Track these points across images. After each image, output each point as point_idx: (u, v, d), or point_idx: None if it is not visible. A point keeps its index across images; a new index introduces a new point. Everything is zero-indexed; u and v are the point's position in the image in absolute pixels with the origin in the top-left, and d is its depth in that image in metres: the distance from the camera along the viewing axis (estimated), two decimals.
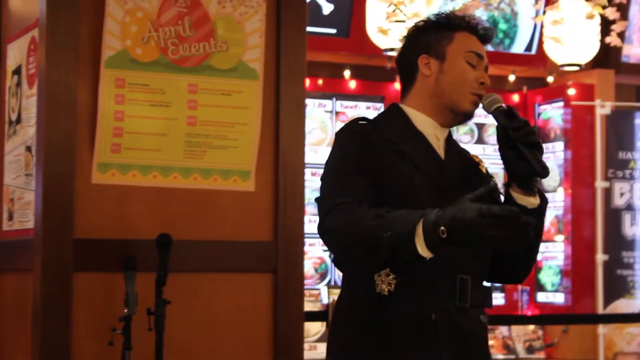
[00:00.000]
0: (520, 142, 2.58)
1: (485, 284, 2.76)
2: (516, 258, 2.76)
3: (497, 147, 2.68)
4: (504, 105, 2.65)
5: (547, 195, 9.42)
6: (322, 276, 8.35)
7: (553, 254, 8.88)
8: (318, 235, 2.60)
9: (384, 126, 2.69)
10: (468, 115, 2.72)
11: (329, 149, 2.73)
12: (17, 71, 4.39)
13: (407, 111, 2.73)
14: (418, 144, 2.68)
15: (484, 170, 2.83)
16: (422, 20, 2.79)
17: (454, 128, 2.87)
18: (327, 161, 2.68)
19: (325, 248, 6.62)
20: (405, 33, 2.82)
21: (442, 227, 2.30)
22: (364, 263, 2.54)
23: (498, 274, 2.79)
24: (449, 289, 2.61)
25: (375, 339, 2.59)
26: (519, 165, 2.61)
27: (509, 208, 2.29)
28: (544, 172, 2.57)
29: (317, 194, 2.66)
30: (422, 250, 2.34)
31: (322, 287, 8.26)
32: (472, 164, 2.82)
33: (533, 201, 2.68)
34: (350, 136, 2.66)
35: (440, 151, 2.72)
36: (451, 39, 2.72)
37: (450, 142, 2.77)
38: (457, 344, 2.61)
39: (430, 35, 2.75)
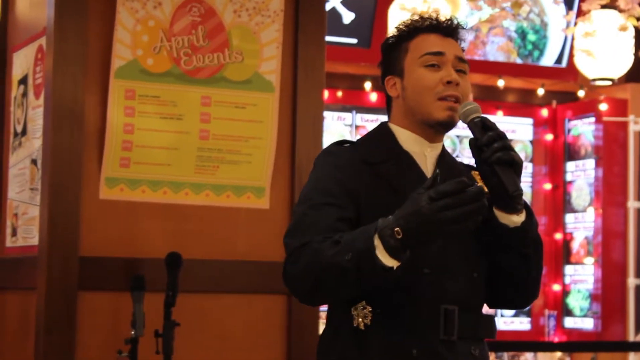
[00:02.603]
0: (489, 159, 2.48)
1: (489, 311, 2.65)
2: (519, 277, 2.64)
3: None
4: (480, 116, 2.55)
5: (577, 215, 9.34)
6: None
7: (582, 277, 8.85)
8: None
9: (366, 147, 2.66)
10: (445, 124, 2.63)
11: None
12: (23, 81, 4.41)
13: (394, 129, 2.69)
14: (400, 163, 2.63)
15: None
16: (385, 40, 2.76)
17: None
18: (303, 188, 2.64)
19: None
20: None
21: (397, 228, 2.28)
22: (337, 296, 2.49)
23: (497, 298, 2.69)
24: (432, 321, 2.51)
25: None
26: (493, 182, 2.51)
27: (455, 180, 2.26)
28: (516, 192, 2.48)
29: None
30: (385, 259, 2.30)
31: None
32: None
33: (515, 219, 2.57)
34: (324, 160, 2.62)
35: (428, 169, 2.66)
36: (407, 50, 2.67)
37: (443, 159, 2.69)
38: None
39: (391, 54, 2.71)
